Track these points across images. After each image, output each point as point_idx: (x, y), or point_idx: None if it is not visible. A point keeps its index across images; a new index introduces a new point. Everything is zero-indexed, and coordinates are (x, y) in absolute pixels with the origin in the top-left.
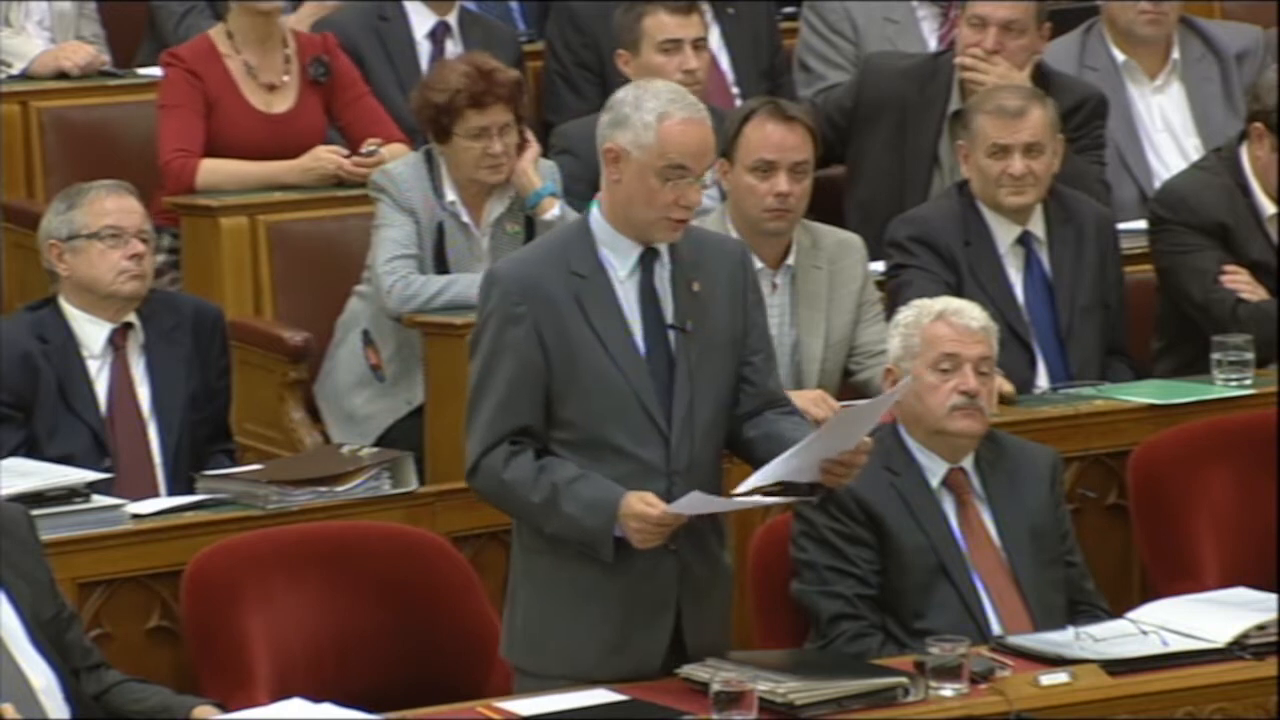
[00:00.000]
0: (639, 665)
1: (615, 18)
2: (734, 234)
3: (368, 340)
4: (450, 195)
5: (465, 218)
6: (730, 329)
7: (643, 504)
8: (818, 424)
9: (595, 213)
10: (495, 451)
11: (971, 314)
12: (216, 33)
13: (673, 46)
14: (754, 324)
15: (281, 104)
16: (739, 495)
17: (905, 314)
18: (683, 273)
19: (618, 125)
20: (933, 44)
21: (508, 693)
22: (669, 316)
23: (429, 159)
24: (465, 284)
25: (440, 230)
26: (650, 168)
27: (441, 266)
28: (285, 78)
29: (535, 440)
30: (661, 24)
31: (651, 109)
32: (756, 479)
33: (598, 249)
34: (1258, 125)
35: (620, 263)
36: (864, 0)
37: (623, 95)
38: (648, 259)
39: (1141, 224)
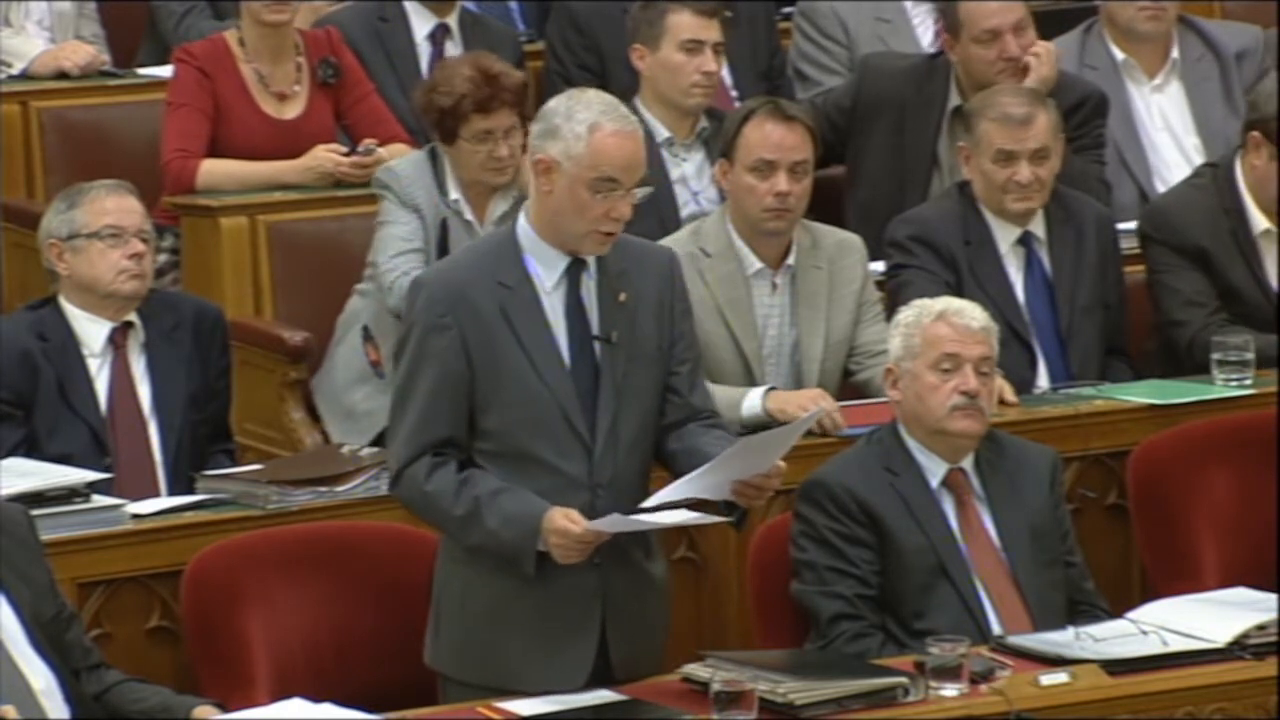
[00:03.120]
0: (564, 677)
1: (632, 12)
2: (734, 234)
3: (367, 337)
4: (454, 193)
5: (469, 215)
6: (657, 339)
7: (565, 520)
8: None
9: (523, 222)
10: (418, 462)
11: (972, 314)
12: (231, 35)
13: (695, 47)
14: (681, 334)
15: (292, 110)
16: (649, 511)
17: (906, 314)
18: (609, 283)
19: (548, 136)
20: (926, 41)
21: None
22: (595, 328)
23: (433, 156)
24: None
25: (444, 227)
26: (581, 179)
27: None
28: (296, 87)
29: (459, 451)
30: (687, 23)
31: (582, 120)
32: (665, 494)
33: (524, 259)
34: (1255, 134)
35: (547, 273)
36: (854, 1)
37: (554, 105)
38: (574, 270)
39: None
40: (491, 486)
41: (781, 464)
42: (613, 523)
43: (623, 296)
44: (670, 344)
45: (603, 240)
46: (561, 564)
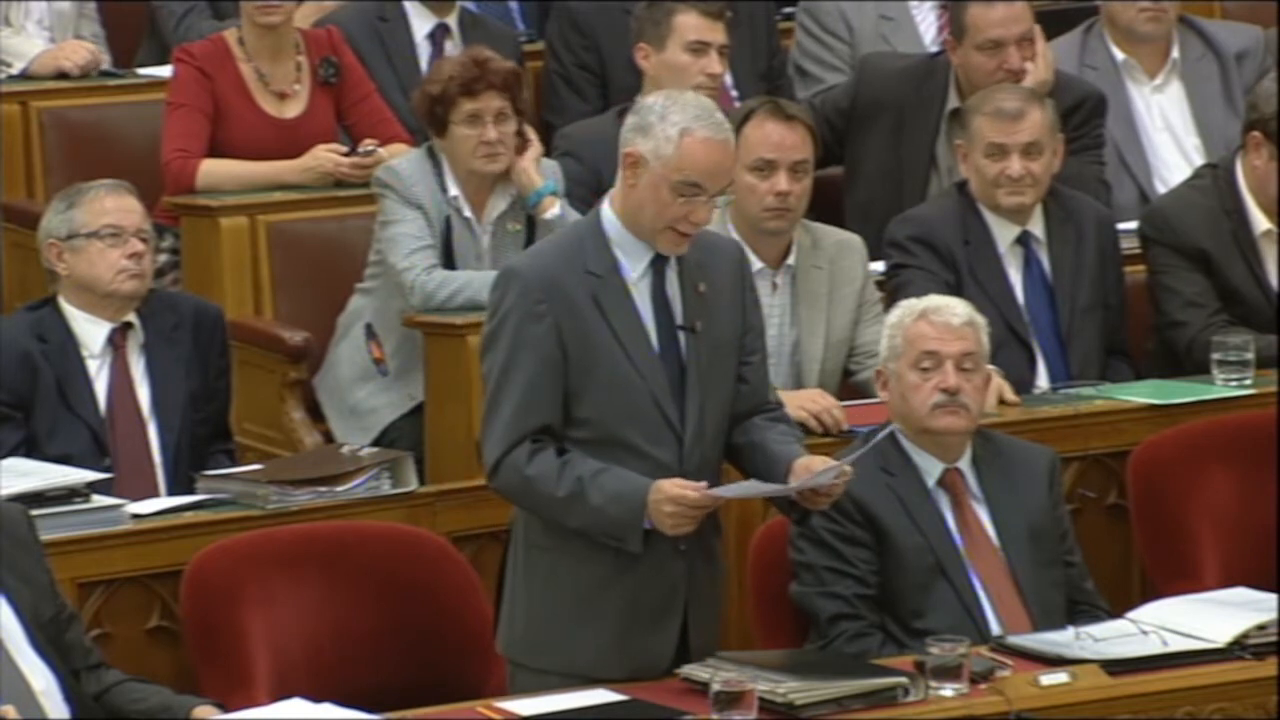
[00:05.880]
0: (646, 665)
1: (637, 11)
2: (734, 234)
3: (371, 334)
4: (453, 190)
5: (467, 213)
6: (733, 329)
7: (678, 488)
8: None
9: (607, 212)
10: (518, 449)
11: (953, 310)
12: (231, 35)
13: (701, 48)
14: (751, 325)
15: (293, 110)
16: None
17: (892, 315)
18: (689, 274)
19: (640, 131)
20: (929, 39)
21: (505, 690)
22: (678, 318)
23: (431, 155)
24: (484, 282)
25: (448, 224)
26: (665, 180)
27: (449, 262)
28: (296, 86)
29: (554, 439)
30: (693, 24)
31: (676, 122)
32: (729, 491)
33: (612, 249)
34: (1255, 134)
35: (633, 264)
36: (858, 0)
37: (651, 102)
38: (659, 261)
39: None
40: (594, 466)
41: (848, 469)
42: (735, 489)
43: (702, 287)
44: (742, 334)
45: (678, 240)
46: (653, 543)
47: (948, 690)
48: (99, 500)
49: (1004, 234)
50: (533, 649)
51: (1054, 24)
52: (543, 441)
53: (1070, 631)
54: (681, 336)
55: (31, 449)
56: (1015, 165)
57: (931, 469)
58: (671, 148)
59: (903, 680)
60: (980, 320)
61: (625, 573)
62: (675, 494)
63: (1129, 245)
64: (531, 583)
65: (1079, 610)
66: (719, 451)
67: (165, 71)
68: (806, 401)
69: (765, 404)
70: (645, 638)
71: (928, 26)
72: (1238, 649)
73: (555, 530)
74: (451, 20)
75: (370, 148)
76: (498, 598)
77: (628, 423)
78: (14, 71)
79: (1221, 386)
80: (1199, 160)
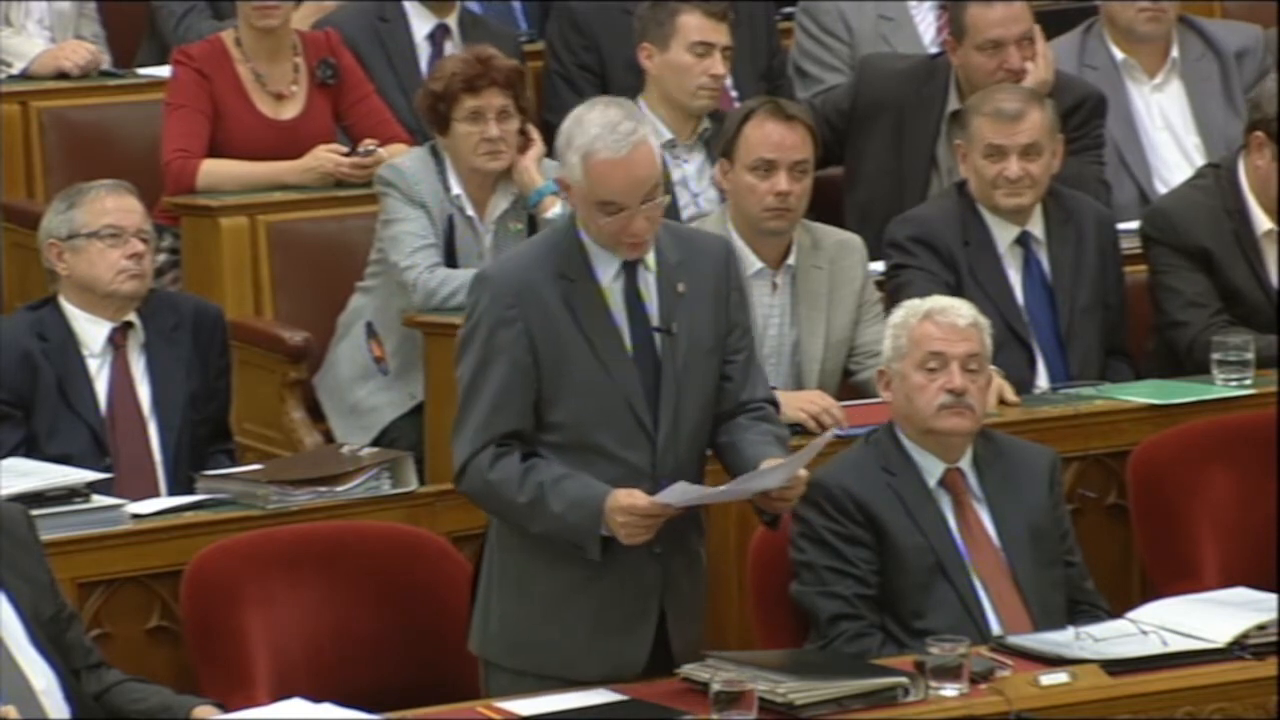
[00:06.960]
0: (621, 667)
1: (641, 11)
2: (734, 234)
3: (371, 333)
4: (456, 189)
5: (470, 211)
6: (715, 329)
7: (629, 498)
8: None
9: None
10: (482, 454)
11: (959, 311)
12: (228, 36)
13: (705, 50)
14: (736, 323)
15: (290, 111)
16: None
17: (896, 315)
18: (668, 274)
19: (560, 157)
20: (928, 40)
21: (482, 690)
22: (655, 319)
23: (435, 153)
24: None
25: (450, 223)
26: (588, 201)
27: (451, 260)
28: (294, 87)
29: (524, 444)
30: (697, 25)
31: (579, 147)
32: (668, 496)
33: (585, 252)
34: (1258, 134)
35: (605, 268)
36: (857, 0)
37: (564, 126)
38: (631, 263)
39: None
40: (555, 473)
41: (803, 473)
42: (677, 493)
43: (681, 287)
44: (726, 333)
45: (629, 248)
46: (626, 545)
47: (948, 690)
48: (99, 500)
49: (1004, 234)
50: (508, 649)
51: (1054, 24)
52: (509, 446)
53: (1070, 631)
54: (657, 338)
55: (31, 449)
56: (1014, 166)
57: (933, 469)
58: (579, 172)
59: (903, 680)
60: (984, 321)
61: (598, 576)
62: (626, 504)
63: (1129, 245)
64: (506, 584)
65: (1079, 610)
66: (697, 454)
67: (165, 71)
68: (806, 402)
69: (751, 402)
70: (618, 640)
71: (927, 27)
72: (1238, 649)
73: (529, 533)
74: (451, 20)
75: (370, 148)
76: (471, 597)
77: (599, 427)
78: (14, 71)
79: (1221, 386)
80: (1199, 160)
